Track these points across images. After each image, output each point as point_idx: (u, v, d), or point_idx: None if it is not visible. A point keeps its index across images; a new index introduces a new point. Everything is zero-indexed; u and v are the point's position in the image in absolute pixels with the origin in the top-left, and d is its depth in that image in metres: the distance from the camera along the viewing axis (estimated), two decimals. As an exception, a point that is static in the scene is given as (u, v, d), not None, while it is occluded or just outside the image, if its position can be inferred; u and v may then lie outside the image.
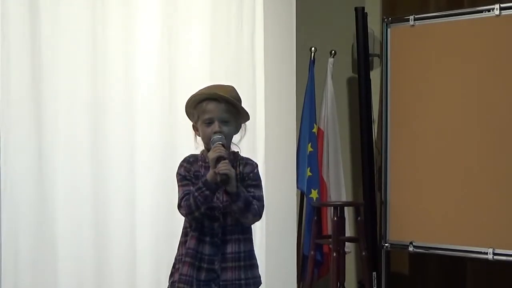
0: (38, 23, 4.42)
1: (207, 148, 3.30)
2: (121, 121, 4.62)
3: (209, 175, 3.20)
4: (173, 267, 3.35)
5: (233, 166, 3.27)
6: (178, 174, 3.31)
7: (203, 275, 3.24)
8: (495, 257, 5.01)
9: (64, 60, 4.48)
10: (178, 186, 3.29)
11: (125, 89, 4.64)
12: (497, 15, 5.05)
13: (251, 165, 3.37)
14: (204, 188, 3.19)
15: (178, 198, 3.27)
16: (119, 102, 4.62)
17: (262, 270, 4.87)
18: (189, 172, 3.28)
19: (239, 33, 4.95)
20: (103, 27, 4.58)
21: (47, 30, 4.44)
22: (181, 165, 3.32)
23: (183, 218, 3.36)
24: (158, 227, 4.68)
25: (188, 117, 3.39)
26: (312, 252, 5.47)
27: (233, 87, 3.37)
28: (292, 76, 5.22)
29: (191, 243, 3.26)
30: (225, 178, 3.18)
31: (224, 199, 3.27)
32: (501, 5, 5.03)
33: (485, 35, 5.11)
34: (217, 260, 3.26)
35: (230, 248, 3.28)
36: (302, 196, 5.67)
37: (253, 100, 4.95)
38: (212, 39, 4.86)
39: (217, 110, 3.27)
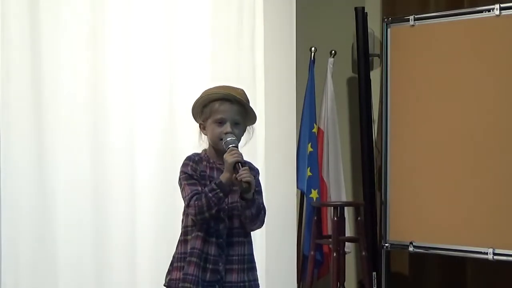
0: (38, 23, 4.42)
1: (215, 148, 3.30)
2: (121, 121, 4.62)
3: (224, 177, 3.20)
4: (171, 265, 3.33)
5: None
6: (183, 172, 3.27)
7: (207, 276, 3.24)
8: (495, 257, 5.01)
9: (64, 60, 4.48)
10: (183, 184, 3.26)
11: (126, 89, 4.64)
12: (497, 15, 5.05)
13: (254, 170, 3.37)
14: (218, 190, 3.19)
15: (185, 196, 3.24)
16: (119, 102, 4.62)
17: (262, 271, 4.91)
18: (196, 171, 3.26)
19: (239, 33, 4.95)
20: (103, 27, 4.58)
21: (47, 30, 4.44)
22: (186, 164, 3.29)
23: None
24: (158, 227, 4.68)
25: (194, 115, 3.36)
26: (312, 252, 5.47)
27: (243, 90, 3.39)
28: (292, 76, 5.22)
29: (197, 243, 3.24)
30: (248, 186, 3.19)
31: (230, 200, 3.27)
32: (501, 5, 5.02)
33: (485, 35, 5.11)
34: (221, 261, 3.26)
35: (234, 250, 3.28)
36: (302, 196, 5.67)
37: (253, 100, 4.92)
38: (212, 39, 4.86)
39: (231, 111, 3.28)
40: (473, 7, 5.30)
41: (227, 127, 3.26)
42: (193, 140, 3.42)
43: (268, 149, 5.01)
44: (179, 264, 3.28)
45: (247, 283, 3.30)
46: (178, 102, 4.67)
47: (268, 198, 4.89)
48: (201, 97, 3.34)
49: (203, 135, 3.35)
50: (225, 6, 4.91)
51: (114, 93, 4.61)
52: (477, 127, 5.14)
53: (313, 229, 5.49)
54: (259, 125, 4.96)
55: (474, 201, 5.12)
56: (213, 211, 3.21)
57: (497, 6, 5.04)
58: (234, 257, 3.28)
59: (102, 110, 4.58)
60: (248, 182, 3.18)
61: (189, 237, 3.27)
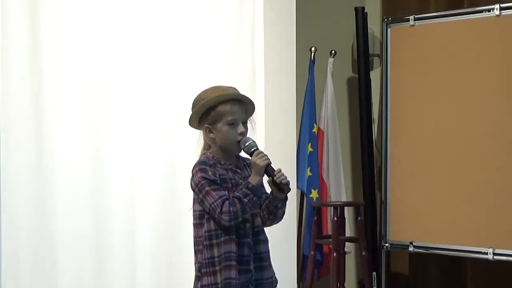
0: (38, 23, 4.42)
1: (224, 150, 3.27)
2: (122, 120, 4.62)
3: (256, 180, 3.20)
4: (198, 271, 3.25)
5: (239, 168, 3.31)
6: (203, 178, 3.19)
7: (243, 277, 3.24)
8: (495, 257, 5.01)
9: (64, 60, 4.48)
10: (206, 190, 3.18)
11: (126, 88, 4.63)
12: (497, 15, 5.05)
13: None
14: (252, 194, 3.18)
15: (212, 203, 3.17)
16: (119, 101, 4.62)
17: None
18: (215, 175, 3.22)
19: (239, 33, 4.95)
20: (103, 27, 4.58)
21: (47, 30, 4.44)
22: (204, 169, 3.21)
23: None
24: (158, 227, 4.68)
25: (194, 119, 3.30)
26: (312, 252, 5.47)
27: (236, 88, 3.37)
28: (292, 76, 5.22)
29: (231, 246, 3.22)
30: (287, 187, 3.25)
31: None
32: (501, 5, 5.03)
33: (485, 35, 5.11)
34: (251, 260, 3.27)
35: (261, 248, 3.31)
36: (302, 196, 5.68)
37: (253, 100, 4.94)
38: (212, 39, 4.86)
39: (241, 112, 3.28)
40: (473, 7, 5.31)
41: (241, 128, 3.25)
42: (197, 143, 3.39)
43: (268, 149, 4.99)
44: (209, 269, 3.22)
45: (274, 278, 3.35)
46: (178, 101, 4.67)
47: (268, 198, 4.92)
48: (204, 99, 3.26)
49: (207, 138, 3.29)
50: (225, 6, 4.91)
51: (115, 92, 4.60)
52: (477, 127, 5.14)
53: (313, 229, 5.49)
54: (259, 125, 4.97)
55: (474, 201, 5.13)
56: (247, 215, 3.23)
57: (497, 6, 5.04)
58: (262, 255, 3.31)
59: (102, 110, 4.57)
60: (288, 184, 3.24)
61: (214, 241, 3.22)
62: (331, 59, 5.86)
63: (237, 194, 3.19)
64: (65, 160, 4.48)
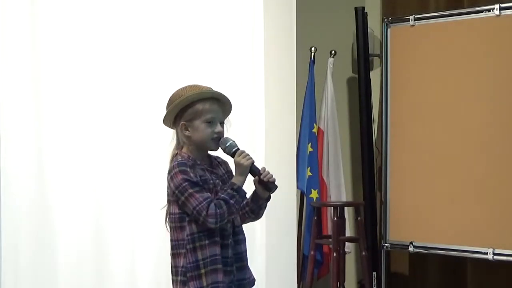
0: (38, 23, 4.42)
1: (200, 149, 3.24)
2: (122, 119, 4.62)
3: (240, 181, 3.17)
4: (183, 275, 3.20)
5: (213, 167, 3.27)
6: (185, 180, 3.13)
7: (228, 278, 3.22)
8: (495, 257, 5.02)
9: (64, 60, 4.48)
10: (189, 192, 3.12)
11: (126, 88, 4.64)
12: (497, 15, 5.05)
13: (226, 162, 3.34)
14: (237, 195, 3.15)
15: (196, 205, 3.11)
16: (119, 101, 4.62)
17: (262, 270, 4.92)
18: (196, 176, 3.16)
19: (239, 33, 4.95)
20: (103, 28, 4.58)
21: (47, 29, 4.44)
22: (185, 171, 3.15)
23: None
24: (158, 225, 4.67)
25: (169, 117, 3.27)
26: (312, 252, 5.47)
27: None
28: (292, 76, 5.22)
29: (215, 249, 3.18)
30: (274, 186, 3.22)
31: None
32: (501, 5, 5.03)
33: (485, 35, 5.11)
34: (233, 261, 3.25)
35: (241, 248, 3.28)
36: (302, 196, 5.68)
37: (253, 100, 4.95)
38: (212, 39, 4.86)
39: (220, 111, 3.24)
40: (473, 7, 5.31)
41: (219, 127, 3.21)
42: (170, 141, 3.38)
43: (268, 149, 5.01)
44: (194, 273, 3.18)
45: (251, 278, 3.32)
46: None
47: (268, 198, 4.92)
48: (182, 96, 3.23)
49: (182, 135, 3.24)
50: (225, 6, 4.91)
51: (114, 92, 4.60)
52: (477, 127, 5.14)
53: (313, 229, 5.50)
54: (259, 125, 4.97)
55: (474, 201, 5.13)
56: (232, 217, 3.20)
57: (497, 6, 5.04)
58: (241, 255, 3.28)
59: (102, 110, 4.57)
60: (274, 182, 3.21)
61: (198, 244, 3.18)
62: (331, 59, 5.87)
63: (222, 195, 3.14)
64: (65, 160, 4.47)
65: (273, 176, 3.21)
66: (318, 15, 5.89)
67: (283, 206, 5.11)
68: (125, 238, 4.61)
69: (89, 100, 4.54)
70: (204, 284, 3.16)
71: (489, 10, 5.09)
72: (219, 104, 3.25)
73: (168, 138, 4.65)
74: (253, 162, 3.19)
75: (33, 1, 4.41)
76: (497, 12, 5.05)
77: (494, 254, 5.01)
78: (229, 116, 3.33)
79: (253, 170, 3.19)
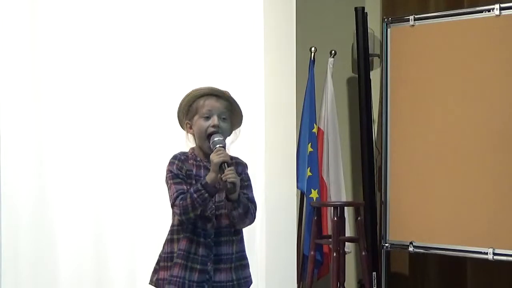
0: (38, 23, 4.42)
1: (200, 145, 3.29)
2: (122, 120, 4.62)
3: (210, 178, 3.18)
4: (157, 264, 3.31)
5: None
6: (169, 171, 3.26)
7: (196, 276, 3.23)
8: (495, 257, 5.02)
9: (64, 60, 4.48)
10: (170, 183, 3.25)
11: (125, 89, 4.64)
12: (497, 15, 5.06)
13: (242, 164, 3.36)
14: (203, 191, 3.17)
15: (170, 196, 3.23)
16: (119, 101, 4.62)
17: (262, 270, 4.92)
18: (181, 170, 3.25)
19: (239, 33, 4.95)
20: (104, 27, 4.58)
21: (47, 30, 4.44)
22: (172, 163, 3.28)
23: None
24: (158, 225, 4.67)
25: (180, 117, 3.36)
26: (312, 252, 5.47)
27: (229, 92, 3.38)
28: (292, 76, 5.22)
29: (182, 244, 3.24)
30: (233, 187, 3.18)
31: (217, 199, 3.27)
32: (501, 5, 5.03)
33: (485, 35, 5.11)
34: (210, 261, 3.25)
35: (223, 250, 3.27)
36: (302, 196, 5.68)
37: (253, 100, 4.95)
38: (212, 40, 4.86)
39: (217, 104, 3.29)
40: (473, 7, 5.31)
41: (214, 120, 3.25)
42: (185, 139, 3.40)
43: (268, 149, 5.01)
44: (165, 263, 3.27)
45: (235, 282, 3.29)
46: (177, 99, 4.66)
47: (268, 198, 4.92)
48: (187, 96, 3.34)
49: (189, 134, 3.33)
50: (225, 6, 4.91)
51: (114, 92, 4.61)
52: (477, 127, 5.14)
53: (313, 229, 5.50)
54: (259, 125, 4.97)
55: (474, 201, 5.13)
56: (198, 212, 3.20)
57: (497, 6, 5.04)
58: (222, 257, 3.27)
59: (103, 109, 4.57)
60: (233, 183, 3.17)
61: (175, 236, 3.27)
62: (331, 59, 5.87)
63: (190, 189, 3.19)
64: (65, 160, 4.47)
65: (233, 178, 3.16)
66: (318, 15, 5.89)
67: (283, 206, 5.11)
68: (125, 238, 4.61)
69: (89, 100, 4.54)
70: (167, 276, 3.24)
71: (489, 10, 5.10)
72: (216, 99, 3.30)
73: (166, 138, 4.70)
74: (224, 161, 3.17)
75: (33, 1, 4.41)
76: (497, 12, 5.05)
77: (494, 254, 5.01)
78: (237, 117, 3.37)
79: (222, 168, 3.18)
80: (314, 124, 5.71)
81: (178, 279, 3.22)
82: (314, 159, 5.67)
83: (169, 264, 3.26)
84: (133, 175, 4.64)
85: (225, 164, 3.17)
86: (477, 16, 5.16)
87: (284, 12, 5.20)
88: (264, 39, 5.03)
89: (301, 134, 5.67)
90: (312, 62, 5.77)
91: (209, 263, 3.24)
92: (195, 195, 3.17)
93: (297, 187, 5.45)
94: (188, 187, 3.22)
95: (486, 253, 5.04)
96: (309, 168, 5.64)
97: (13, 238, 4.35)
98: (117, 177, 4.59)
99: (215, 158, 3.18)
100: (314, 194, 5.63)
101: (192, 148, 3.33)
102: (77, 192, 4.50)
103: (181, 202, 3.18)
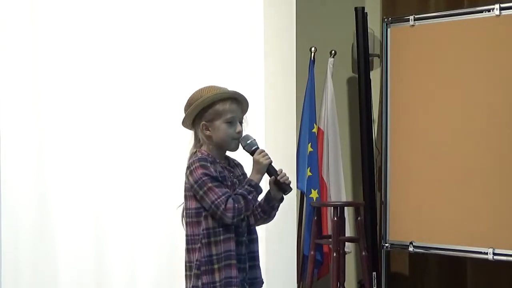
0: (38, 23, 4.42)
1: (220, 148, 3.28)
2: (122, 120, 4.62)
3: (257, 178, 3.22)
4: (197, 269, 3.21)
5: (231, 167, 3.31)
6: (205, 174, 3.17)
7: (240, 275, 3.25)
8: (495, 257, 5.02)
9: (64, 60, 4.48)
10: (208, 187, 3.16)
11: (125, 89, 4.64)
12: (497, 15, 5.06)
13: (241, 165, 3.39)
14: (255, 192, 3.21)
15: (215, 199, 3.15)
16: (119, 101, 4.62)
17: (262, 271, 4.90)
18: (216, 172, 3.21)
19: (239, 33, 4.95)
20: (104, 27, 4.58)
21: (47, 29, 4.44)
22: (205, 166, 3.19)
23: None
24: (158, 225, 4.68)
25: (189, 117, 3.29)
26: (312, 252, 5.47)
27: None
28: (292, 76, 5.22)
29: (230, 245, 3.21)
30: (290, 188, 3.28)
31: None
32: (501, 5, 5.03)
33: (485, 35, 5.11)
34: (246, 259, 3.28)
35: (254, 247, 3.32)
36: (302, 196, 5.68)
37: (253, 100, 4.93)
38: (212, 40, 4.86)
39: (239, 110, 3.30)
40: (473, 7, 5.31)
41: (239, 127, 3.27)
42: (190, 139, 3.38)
43: (268, 149, 4.97)
44: (208, 267, 3.20)
45: (259, 279, 3.35)
46: (177, 99, 4.65)
47: (268, 198, 4.92)
48: (203, 97, 3.27)
49: (203, 135, 3.29)
50: (225, 6, 4.91)
51: (114, 92, 4.61)
52: (477, 127, 5.14)
53: (313, 229, 5.49)
54: (259, 125, 4.97)
55: (474, 201, 5.13)
56: (249, 213, 3.25)
57: (497, 6, 5.04)
58: (256, 254, 3.32)
59: (103, 109, 4.57)
60: (290, 184, 3.27)
61: (212, 239, 3.21)
62: (331, 59, 5.87)
63: (240, 191, 3.19)
64: (65, 160, 4.48)
65: (289, 179, 3.28)
66: (318, 15, 5.89)
67: (283, 206, 5.02)
68: (125, 238, 4.61)
69: (89, 100, 4.55)
70: (217, 279, 3.19)
71: (489, 10, 5.09)
72: (238, 103, 3.30)
73: (166, 138, 4.70)
74: (271, 162, 3.25)
75: (33, 1, 4.41)
76: (497, 12, 5.05)
77: (494, 254, 5.01)
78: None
79: (270, 170, 3.25)
80: (314, 124, 5.71)
81: (237, 280, 3.21)
82: (314, 159, 5.67)
83: (211, 267, 3.20)
84: (133, 176, 4.64)
85: (271, 165, 3.25)
86: (477, 16, 5.16)
87: (284, 12, 5.20)
88: (264, 39, 5.03)
89: (301, 134, 5.67)
90: (312, 62, 5.77)
91: (246, 261, 3.28)
92: (249, 197, 3.19)
93: (297, 187, 5.46)
94: (226, 189, 3.20)
95: (486, 253, 5.04)
96: (309, 168, 5.64)
97: (13, 238, 4.35)
98: (117, 178, 4.60)
99: (262, 160, 3.22)
100: (314, 194, 5.63)
101: (205, 151, 3.26)
102: (77, 192, 4.50)
103: (236, 205, 3.16)
